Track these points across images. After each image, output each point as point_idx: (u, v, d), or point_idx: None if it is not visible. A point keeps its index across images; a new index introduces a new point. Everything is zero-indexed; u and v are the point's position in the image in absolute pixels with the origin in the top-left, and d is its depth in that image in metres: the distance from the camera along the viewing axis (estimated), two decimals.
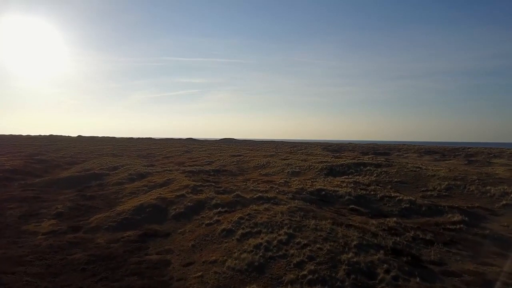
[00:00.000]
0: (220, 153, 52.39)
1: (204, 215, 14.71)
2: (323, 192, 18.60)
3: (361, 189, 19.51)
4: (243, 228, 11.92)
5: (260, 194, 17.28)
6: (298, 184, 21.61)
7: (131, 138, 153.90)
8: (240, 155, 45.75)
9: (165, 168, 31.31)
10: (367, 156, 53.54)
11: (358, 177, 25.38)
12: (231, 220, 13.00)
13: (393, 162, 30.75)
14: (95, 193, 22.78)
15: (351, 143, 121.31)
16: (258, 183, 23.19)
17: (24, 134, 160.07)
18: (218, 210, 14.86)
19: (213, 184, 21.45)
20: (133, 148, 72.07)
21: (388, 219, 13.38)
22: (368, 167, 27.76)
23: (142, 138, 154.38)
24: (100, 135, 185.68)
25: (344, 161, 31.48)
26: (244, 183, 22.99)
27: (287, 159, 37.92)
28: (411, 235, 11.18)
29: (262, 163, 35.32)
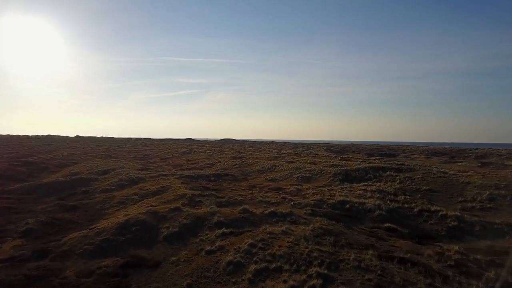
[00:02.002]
0: (220, 154, 49.24)
1: (204, 238, 11.63)
2: (348, 205, 15.44)
3: (390, 201, 16.40)
4: (256, 262, 8.84)
5: (272, 208, 14.20)
6: (313, 193, 18.49)
7: (129, 139, 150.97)
8: (242, 157, 42.60)
9: (160, 172, 28.21)
10: (374, 158, 50.40)
11: (379, 183, 22.26)
12: (239, 247, 9.93)
13: (414, 166, 27.63)
14: (78, 203, 19.75)
15: (353, 144, 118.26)
16: (266, 192, 20.13)
17: (21, 134, 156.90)
18: (222, 230, 11.78)
19: (213, 193, 18.37)
20: (130, 149, 68.96)
21: (445, 246, 10.26)
22: (388, 172, 24.65)
23: (141, 139, 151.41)
24: (99, 135, 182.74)
25: (359, 164, 28.35)
26: (250, 192, 19.94)
27: (294, 162, 34.84)
28: (492, 275, 8.13)
29: (267, 166, 32.20)
